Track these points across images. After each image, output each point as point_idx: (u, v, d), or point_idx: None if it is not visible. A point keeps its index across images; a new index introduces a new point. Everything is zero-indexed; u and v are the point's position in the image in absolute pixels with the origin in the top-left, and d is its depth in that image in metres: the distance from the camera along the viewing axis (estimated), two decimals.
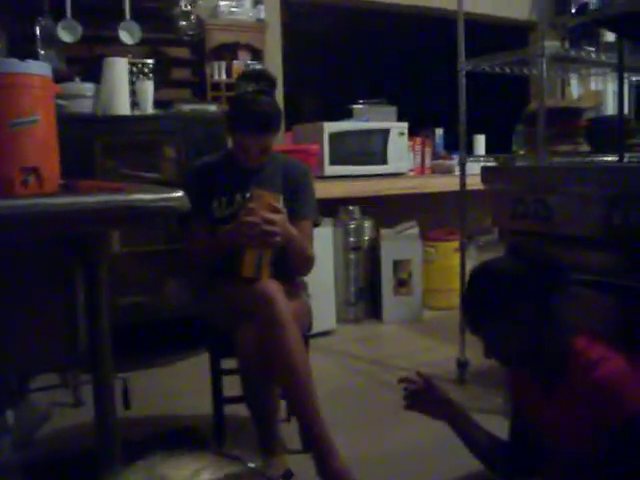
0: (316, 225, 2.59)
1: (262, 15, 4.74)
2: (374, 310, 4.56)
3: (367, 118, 4.86)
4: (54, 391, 2.85)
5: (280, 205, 2.29)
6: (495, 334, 1.61)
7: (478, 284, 1.66)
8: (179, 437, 2.64)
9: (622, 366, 1.49)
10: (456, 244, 3.74)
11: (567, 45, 3.13)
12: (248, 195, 2.35)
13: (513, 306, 1.56)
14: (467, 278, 1.69)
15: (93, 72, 3.67)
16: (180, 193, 1.29)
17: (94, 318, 1.42)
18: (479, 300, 1.64)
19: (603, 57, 2.95)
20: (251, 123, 2.33)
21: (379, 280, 4.50)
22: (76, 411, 2.88)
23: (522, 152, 3.17)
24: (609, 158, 2.80)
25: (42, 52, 3.93)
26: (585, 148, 2.88)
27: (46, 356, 1.48)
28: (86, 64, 4.14)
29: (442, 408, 1.87)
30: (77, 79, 3.72)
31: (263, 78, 2.42)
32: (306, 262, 2.46)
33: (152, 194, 1.28)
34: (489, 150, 5.12)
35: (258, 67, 4.55)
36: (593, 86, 5.11)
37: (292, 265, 2.42)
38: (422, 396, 1.88)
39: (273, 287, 2.16)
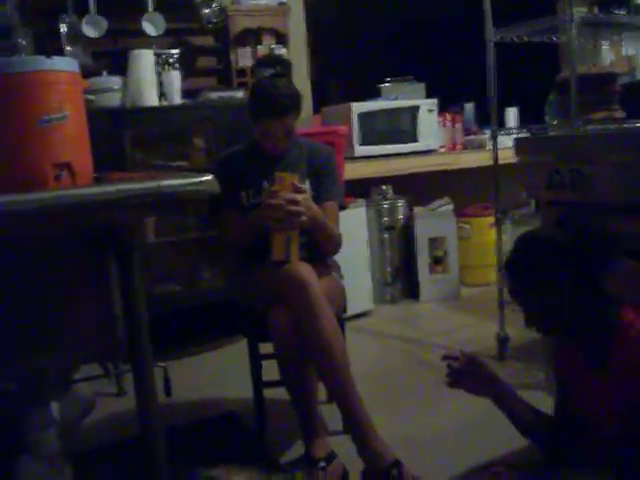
0: (342, 208, 2.58)
1: None
2: (411, 289, 4.53)
3: (395, 96, 4.81)
4: (98, 381, 2.90)
5: (303, 185, 2.29)
6: (539, 303, 1.58)
7: (523, 251, 1.63)
8: (221, 423, 2.66)
9: None
10: (491, 219, 3.69)
11: (596, 10, 3.05)
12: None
13: (559, 275, 1.53)
14: (512, 247, 1.66)
15: (119, 65, 3.69)
16: (209, 177, 1.28)
17: (130, 308, 1.42)
18: (524, 268, 1.61)
19: (634, 19, 2.87)
20: (270, 108, 2.33)
21: (414, 259, 4.46)
22: (120, 400, 2.94)
23: (555, 122, 3.10)
24: None
25: (68, 48, 3.96)
26: (620, 114, 2.80)
27: (85, 347, 1.49)
28: (112, 58, 4.18)
29: (486, 385, 1.84)
30: (104, 73, 3.74)
31: (278, 62, 2.47)
32: (333, 242, 2.45)
33: (181, 179, 1.28)
34: (522, 122, 5.04)
35: (274, 53, 4.54)
36: (625, 51, 4.98)
37: (319, 245, 2.42)
38: (465, 373, 1.85)
39: (305, 270, 2.16)
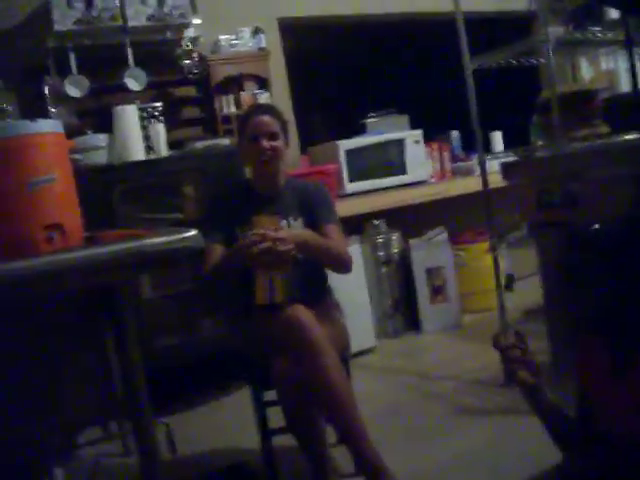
0: None
1: (263, 44, 4.76)
2: (412, 321, 4.49)
3: (381, 131, 4.84)
4: (105, 443, 2.85)
5: (279, 226, 2.30)
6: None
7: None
8: (231, 475, 2.61)
9: None
10: (486, 245, 3.69)
11: (571, 28, 3.08)
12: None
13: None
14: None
15: (105, 123, 3.71)
16: (194, 232, 1.27)
17: (127, 367, 1.40)
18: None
19: (609, 35, 2.90)
20: (256, 108, 2.65)
21: (414, 290, 4.44)
22: (126, 461, 2.88)
23: (540, 143, 3.11)
24: (630, 137, 2.73)
25: (52, 110, 3.99)
26: (604, 129, 2.81)
27: (85, 410, 1.47)
28: (96, 115, 4.20)
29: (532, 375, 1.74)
30: (89, 132, 3.76)
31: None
32: (337, 258, 2.42)
33: (165, 237, 1.26)
34: (508, 146, 5.06)
35: (265, 97, 4.60)
36: (604, 67, 5.03)
37: (324, 264, 2.43)
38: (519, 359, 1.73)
39: (302, 313, 2.14)
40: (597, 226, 1.64)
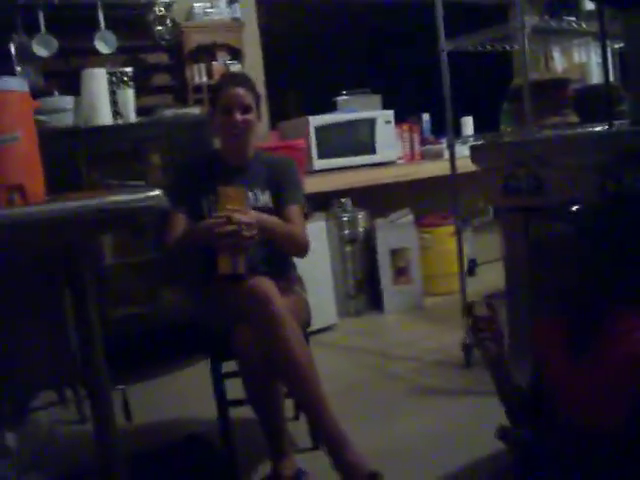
0: (305, 216, 2.55)
1: (238, 14, 4.70)
2: (375, 301, 4.52)
3: (352, 109, 4.83)
4: (60, 409, 2.82)
5: (246, 197, 2.28)
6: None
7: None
8: (186, 445, 2.60)
9: None
10: (451, 228, 3.70)
11: (547, 17, 3.08)
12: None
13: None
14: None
15: (72, 85, 3.63)
16: (157, 192, 1.25)
17: (85, 331, 1.38)
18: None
19: (584, 26, 2.92)
20: (229, 79, 2.61)
21: (377, 271, 4.46)
22: (82, 427, 2.85)
23: (510, 129, 3.12)
24: (598, 128, 2.76)
25: (19, 69, 3.89)
26: (574, 119, 2.84)
27: (38, 373, 1.45)
28: (65, 77, 4.10)
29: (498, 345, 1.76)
30: (56, 93, 3.67)
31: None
32: (296, 243, 2.42)
33: (128, 195, 1.24)
34: (479, 130, 5.08)
35: (237, 69, 4.55)
36: (576, 58, 5.07)
37: (283, 249, 2.40)
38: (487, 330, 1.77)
39: (266, 285, 2.13)
40: (560, 211, 1.66)
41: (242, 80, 2.49)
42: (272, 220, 2.32)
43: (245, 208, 2.23)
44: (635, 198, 1.60)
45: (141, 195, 1.22)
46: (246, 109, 2.40)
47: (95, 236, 1.39)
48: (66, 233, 1.21)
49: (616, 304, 1.55)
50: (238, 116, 2.38)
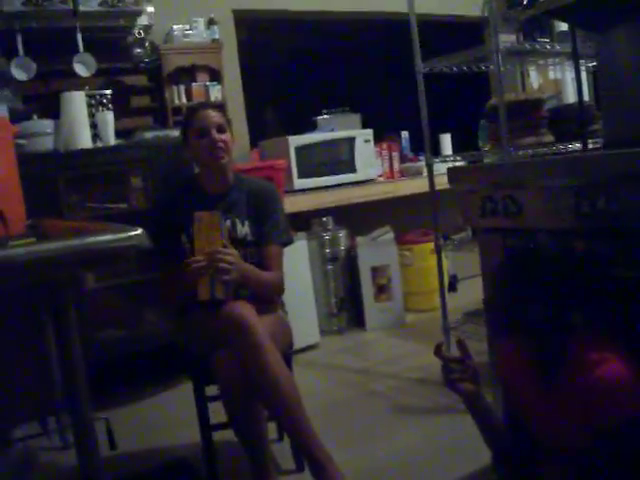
0: (287, 244, 2.55)
1: (217, 35, 4.72)
2: (357, 319, 4.54)
3: (331, 128, 4.86)
4: (42, 437, 2.79)
5: (220, 222, 2.26)
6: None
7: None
8: (170, 471, 2.59)
9: (621, 369, 1.46)
10: (431, 245, 3.73)
11: (521, 38, 3.15)
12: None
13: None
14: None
15: (52, 108, 3.63)
16: (139, 231, 1.25)
17: (67, 361, 1.38)
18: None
19: (557, 47, 2.97)
20: (200, 105, 2.64)
21: (359, 288, 4.48)
22: (64, 455, 2.83)
23: (487, 147, 3.17)
24: (573, 146, 2.81)
25: None
26: (549, 138, 2.89)
27: (22, 405, 1.44)
28: (44, 100, 4.10)
29: (473, 382, 1.77)
30: (35, 117, 3.67)
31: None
32: (271, 291, 2.44)
33: (110, 235, 1.24)
34: (457, 148, 5.14)
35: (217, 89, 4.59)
36: (552, 75, 5.16)
37: (257, 293, 2.37)
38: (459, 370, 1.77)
39: (245, 309, 2.14)
40: (536, 236, 1.68)
41: (212, 105, 2.59)
42: (250, 268, 2.33)
43: (220, 233, 2.23)
44: (608, 220, 1.63)
45: (124, 235, 1.23)
46: (220, 128, 2.41)
47: (77, 275, 1.38)
48: (50, 273, 1.22)
49: (584, 328, 1.57)
50: (215, 134, 2.39)
